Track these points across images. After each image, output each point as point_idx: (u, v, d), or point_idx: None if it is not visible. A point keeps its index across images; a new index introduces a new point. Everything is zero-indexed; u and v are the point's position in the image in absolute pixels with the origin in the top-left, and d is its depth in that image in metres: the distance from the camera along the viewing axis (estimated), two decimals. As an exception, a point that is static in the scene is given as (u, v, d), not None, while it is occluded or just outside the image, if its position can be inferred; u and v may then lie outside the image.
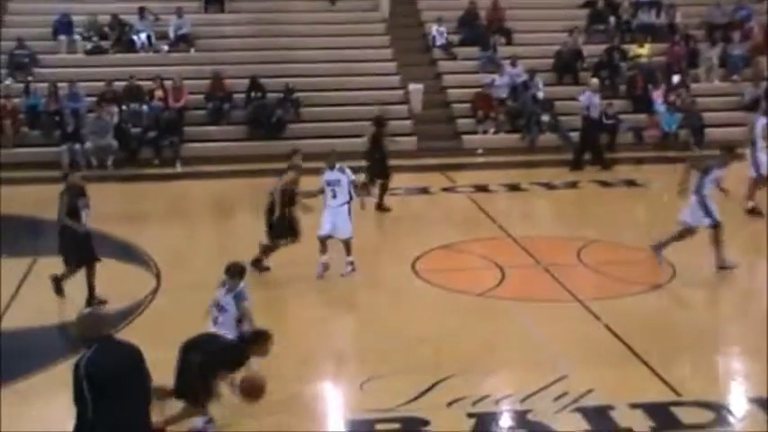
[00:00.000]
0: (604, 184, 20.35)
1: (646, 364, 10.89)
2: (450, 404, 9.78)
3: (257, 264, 14.18)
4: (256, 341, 9.03)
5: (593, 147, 21.96)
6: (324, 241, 14.13)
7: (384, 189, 18.09)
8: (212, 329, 9.53)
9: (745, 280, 14.36)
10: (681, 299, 13.46)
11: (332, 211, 14.13)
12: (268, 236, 14.34)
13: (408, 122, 24.00)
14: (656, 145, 23.58)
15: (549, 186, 20.12)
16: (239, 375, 8.94)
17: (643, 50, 25.89)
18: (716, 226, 14.18)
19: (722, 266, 14.17)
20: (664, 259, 14.36)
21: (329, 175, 14.31)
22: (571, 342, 11.79)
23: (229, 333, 9.46)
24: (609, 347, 11.50)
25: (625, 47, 26.04)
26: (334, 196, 14.13)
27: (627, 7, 27.25)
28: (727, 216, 14.51)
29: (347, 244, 14.21)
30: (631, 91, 24.86)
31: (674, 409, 9.73)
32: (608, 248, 15.75)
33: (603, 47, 25.90)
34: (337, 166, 14.33)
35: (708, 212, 14.19)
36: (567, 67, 25.48)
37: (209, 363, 8.79)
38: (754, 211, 17.41)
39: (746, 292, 14.08)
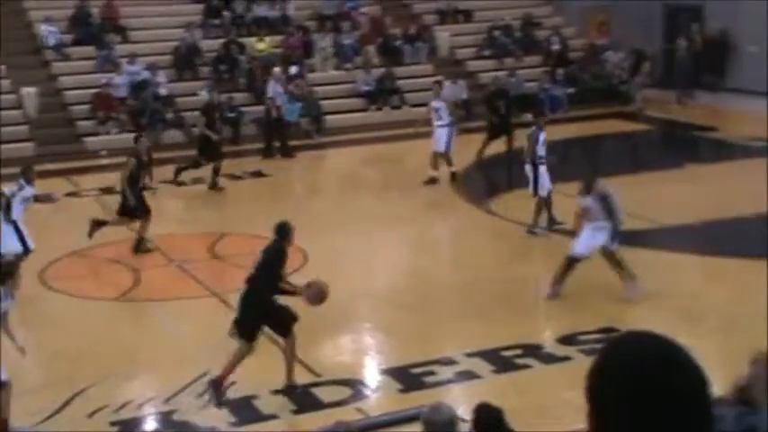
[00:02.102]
0: (232, 177, 20.50)
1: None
2: (91, 414, 9.51)
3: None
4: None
5: (280, 135, 22.46)
6: None
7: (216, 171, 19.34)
8: None
9: (369, 257, 15.07)
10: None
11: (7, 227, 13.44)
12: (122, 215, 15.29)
13: (24, 128, 22.91)
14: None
15: (178, 183, 19.98)
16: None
17: (262, 44, 26.35)
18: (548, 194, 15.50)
19: (531, 231, 15.47)
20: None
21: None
22: (211, 337, 11.82)
23: None
24: (248, 338, 11.65)
25: (243, 40, 26.37)
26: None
27: (241, 1, 27.59)
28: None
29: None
30: (251, 83, 25.24)
31: (314, 390, 10.07)
32: (240, 240, 15.92)
33: (221, 41, 26.10)
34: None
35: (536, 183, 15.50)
36: (186, 62, 25.43)
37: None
38: (432, 181, 18.90)
39: (374, 269, 14.79)
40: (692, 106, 26.20)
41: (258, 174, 20.73)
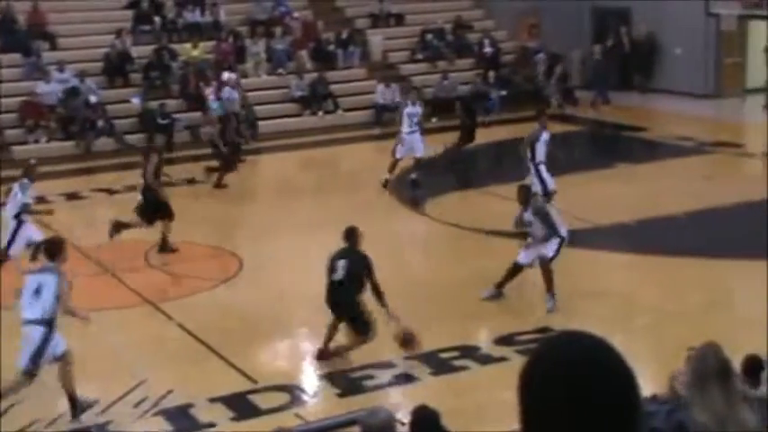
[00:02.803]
0: (167, 184, 20.27)
1: (221, 357, 11.08)
2: (23, 430, 9.35)
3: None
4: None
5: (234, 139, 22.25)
6: None
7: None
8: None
9: (305, 262, 15.00)
10: (250, 289, 13.78)
11: None
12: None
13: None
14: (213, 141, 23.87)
15: (111, 191, 19.75)
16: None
17: (196, 51, 26.10)
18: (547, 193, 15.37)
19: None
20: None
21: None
22: (147, 345, 11.74)
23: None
24: (184, 346, 11.57)
25: (175, 46, 26.12)
26: None
27: (171, 7, 27.35)
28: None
29: None
30: (184, 90, 25.03)
31: (252, 397, 10.02)
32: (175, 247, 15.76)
33: (152, 47, 25.83)
34: None
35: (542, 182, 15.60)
36: (116, 69, 25.12)
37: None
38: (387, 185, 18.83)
39: (310, 274, 14.72)
40: (615, 107, 26.42)
41: (192, 180, 20.53)
